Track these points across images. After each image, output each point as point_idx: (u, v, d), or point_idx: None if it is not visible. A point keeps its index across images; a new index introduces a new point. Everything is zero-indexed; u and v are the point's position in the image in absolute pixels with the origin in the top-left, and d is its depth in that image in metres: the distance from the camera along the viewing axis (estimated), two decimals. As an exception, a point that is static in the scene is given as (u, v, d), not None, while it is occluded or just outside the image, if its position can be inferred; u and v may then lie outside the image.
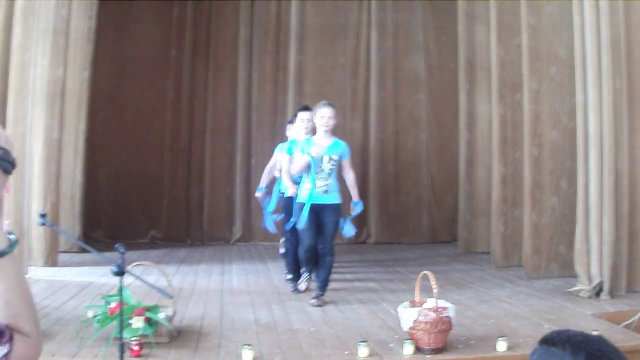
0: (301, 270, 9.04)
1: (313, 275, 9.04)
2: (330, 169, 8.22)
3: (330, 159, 8.20)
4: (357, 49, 14.76)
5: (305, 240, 8.25)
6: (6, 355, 1.48)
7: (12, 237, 1.58)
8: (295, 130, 9.41)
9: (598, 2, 8.33)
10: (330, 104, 8.44)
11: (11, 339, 1.50)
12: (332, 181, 8.25)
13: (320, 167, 8.17)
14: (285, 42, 14.64)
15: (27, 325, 1.57)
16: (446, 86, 14.56)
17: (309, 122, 8.87)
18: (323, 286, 8.35)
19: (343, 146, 8.39)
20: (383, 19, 14.74)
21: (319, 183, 8.16)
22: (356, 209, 8.58)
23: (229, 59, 14.55)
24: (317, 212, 8.20)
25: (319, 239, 8.27)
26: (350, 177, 8.48)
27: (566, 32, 9.55)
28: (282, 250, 10.23)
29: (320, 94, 14.24)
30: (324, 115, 8.25)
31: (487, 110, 11.93)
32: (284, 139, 10.28)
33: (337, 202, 8.31)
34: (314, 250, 8.32)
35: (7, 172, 1.55)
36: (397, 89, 14.73)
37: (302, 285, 8.84)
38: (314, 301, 8.12)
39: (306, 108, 9.25)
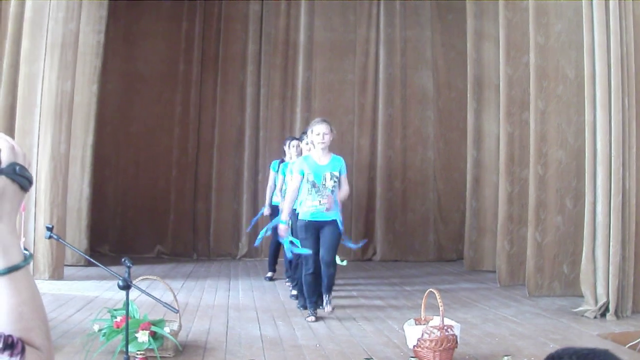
0: (306, 304, 8.56)
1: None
2: (333, 186, 8.25)
3: (332, 176, 8.23)
4: (365, 66, 14.80)
5: (310, 262, 8.25)
6: None
7: (26, 252, 1.61)
8: (288, 156, 9.65)
9: (608, 20, 8.33)
10: (325, 120, 8.47)
11: (23, 351, 1.51)
12: (333, 198, 8.26)
13: (324, 184, 8.19)
14: (293, 58, 14.69)
15: (39, 339, 1.58)
16: (454, 104, 14.61)
17: (299, 147, 8.95)
18: (329, 290, 8.41)
19: (341, 161, 8.44)
20: (391, 35, 14.79)
21: (321, 200, 8.17)
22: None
23: (237, 74, 14.59)
24: (318, 228, 8.24)
25: (322, 251, 8.27)
26: (343, 189, 8.45)
27: (574, 52, 9.58)
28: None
29: (328, 110, 14.32)
30: (319, 132, 8.26)
31: (495, 128, 11.95)
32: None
33: (336, 218, 8.31)
34: (318, 272, 8.31)
35: (24, 188, 1.57)
36: (405, 106, 14.75)
37: (312, 317, 8.20)
38: (328, 308, 8.28)
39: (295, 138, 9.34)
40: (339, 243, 8.46)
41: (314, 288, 8.39)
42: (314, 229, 8.21)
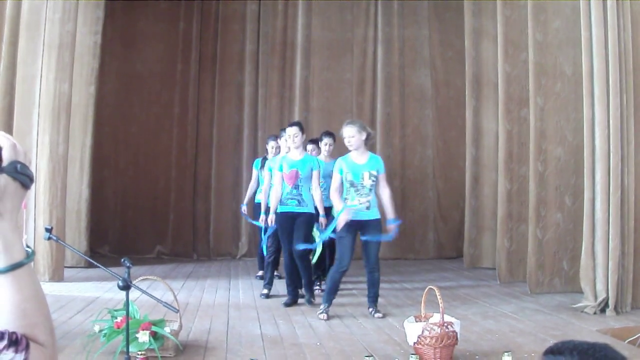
0: (311, 298, 9.07)
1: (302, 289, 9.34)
2: (371, 185, 8.27)
3: (371, 175, 8.25)
4: (363, 65, 14.81)
5: (345, 260, 8.25)
6: None
7: (28, 249, 1.62)
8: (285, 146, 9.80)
9: (605, 17, 8.34)
10: (352, 122, 8.52)
11: (27, 347, 1.52)
12: (372, 197, 8.31)
13: (362, 183, 8.20)
14: (291, 58, 14.69)
15: (43, 335, 1.59)
16: (452, 102, 14.62)
17: (296, 137, 9.03)
18: (375, 300, 8.43)
19: (380, 160, 8.47)
20: (389, 34, 14.79)
21: (360, 199, 8.20)
22: (395, 227, 8.52)
23: (235, 74, 14.60)
24: (359, 228, 8.25)
25: (365, 255, 8.35)
26: (386, 192, 8.46)
27: (572, 49, 9.58)
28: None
29: (326, 109, 14.35)
30: (345, 135, 8.31)
31: (493, 126, 11.97)
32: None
33: (378, 217, 8.37)
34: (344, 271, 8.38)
35: (26, 186, 1.57)
36: (403, 105, 14.76)
37: (323, 315, 8.24)
38: (378, 315, 8.27)
39: (293, 124, 9.42)
40: (380, 245, 8.52)
41: (337, 286, 8.51)
42: (354, 228, 8.23)
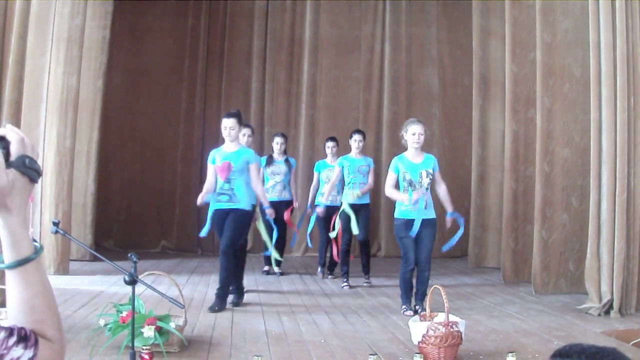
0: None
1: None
2: (428, 184, 8.34)
3: (428, 173, 8.32)
4: (370, 62, 14.82)
5: (410, 258, 8.29)
6: (31, 359, 1.51)
7: (36, 244, 1.61)
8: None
9: (614, 19, 8.33)
10: (420, 121, 8.60)
11: (36, 343, 1.52)
12: (429, 196, 8.37)
13: (420, 182, 8.25)
14: (299, 54, 14.72)
15: (51, 330, 1.59)
16: (459, 101, 14.61)
17: (232, 130, 8.78)
18: (422, 298, 8.36)
19: (434, 159, 8.55)
20: (397, 32, 14.79)
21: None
22: (459, 220, 8.74)
23: (242, 70, 14.63)
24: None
25: (416, 254, 8.35)
26: (443, 187, 8.58)
27: (580, 50, 9.56)
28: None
29: (332, 106, 14.37)
30: (415, 132, 8.35)
31: (500, 126, 11.96)
32: (289, 150, 10.96)
33: (435, 217, 8.47)
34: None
35: (33, 180, 1.57)
36: (410, 103, 14.76)
37: (410, 312, 8.33)
38: (418, 308, 8.26)
39: (231, 115, 9.07)
40: (433, 243, 8.59)
41: (411, 284, 8.50)
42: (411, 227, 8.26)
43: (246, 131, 10.28)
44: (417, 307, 8.33)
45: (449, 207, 8.61)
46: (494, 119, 12.38)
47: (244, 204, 8.63)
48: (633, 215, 8.43)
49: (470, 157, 13.12)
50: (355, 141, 10.60)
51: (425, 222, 8.28)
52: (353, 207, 10.28)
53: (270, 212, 8.99)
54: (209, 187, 8.74)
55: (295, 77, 14.75)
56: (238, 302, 8.75)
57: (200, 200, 8.70)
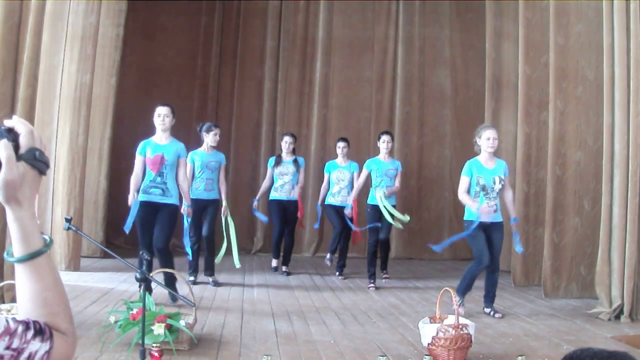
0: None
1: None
2: (499, 189, 8.42)
3: (500, 180, 8.40)
4: (383, 63, 14.80)
5: (485, 259, 8.31)
6: (48, 352, 1.51)
7: (46, 237, 1.62)
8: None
9: (628, 22, 8.30)
10: (493, 126, 8.80)
11: (51, 336, 1.53)
12: (498, 200, 8.45)
13: (493, 187, 8.33)
14: (311, 54, 14.73)
15: (64, 323, 1.60)
16: (472, 103, 14.58)
17: (167, 117, 8.75)
18: (492, 300, 8.55)
19: (505, 165, 8.60)
20: (410, 33, 14.79)
21: (489, 203, 8.33)
22: (515, 237, 8.77)
23: (255, 69, 14.65)
24: (486, 229, 8.34)
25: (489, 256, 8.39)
26: (510, 194, 8.67)
27: (594, 53, 9.53)
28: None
29: (345, 107, 14.38)
30: (489, 136, 8.39)
31: (512, 128, 11.92)
32: (301, 150, 10.87)
33: (502, 220, 8.55)
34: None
35: (42, 172, 1.57)
36: (422, 104, 14.76)
37: (494, 311, 8.53)
38: (498, 315, 8.36)
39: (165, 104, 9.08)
40: (502, 246, 8.71)
41: (473, 282, 8.62)
42: (483, 230, 8.32)
43: (217, 131, 10.50)
44: (489, 310, 8.52)
45: (512, 213, 8.71)
46: (506, 121, 12.35)
47: (175, 198, 8.59)
48: (645, 219, 8.40)
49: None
50: (384, 142, 10.69)
51: (494, 226, 8.38)
52: (378, 208, 10.44)
53: (189, 212, 8.94)
54: (137, 182, 8.68)
55: (308, 77, 14.76)
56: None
57: (131, 199, 8.65)
